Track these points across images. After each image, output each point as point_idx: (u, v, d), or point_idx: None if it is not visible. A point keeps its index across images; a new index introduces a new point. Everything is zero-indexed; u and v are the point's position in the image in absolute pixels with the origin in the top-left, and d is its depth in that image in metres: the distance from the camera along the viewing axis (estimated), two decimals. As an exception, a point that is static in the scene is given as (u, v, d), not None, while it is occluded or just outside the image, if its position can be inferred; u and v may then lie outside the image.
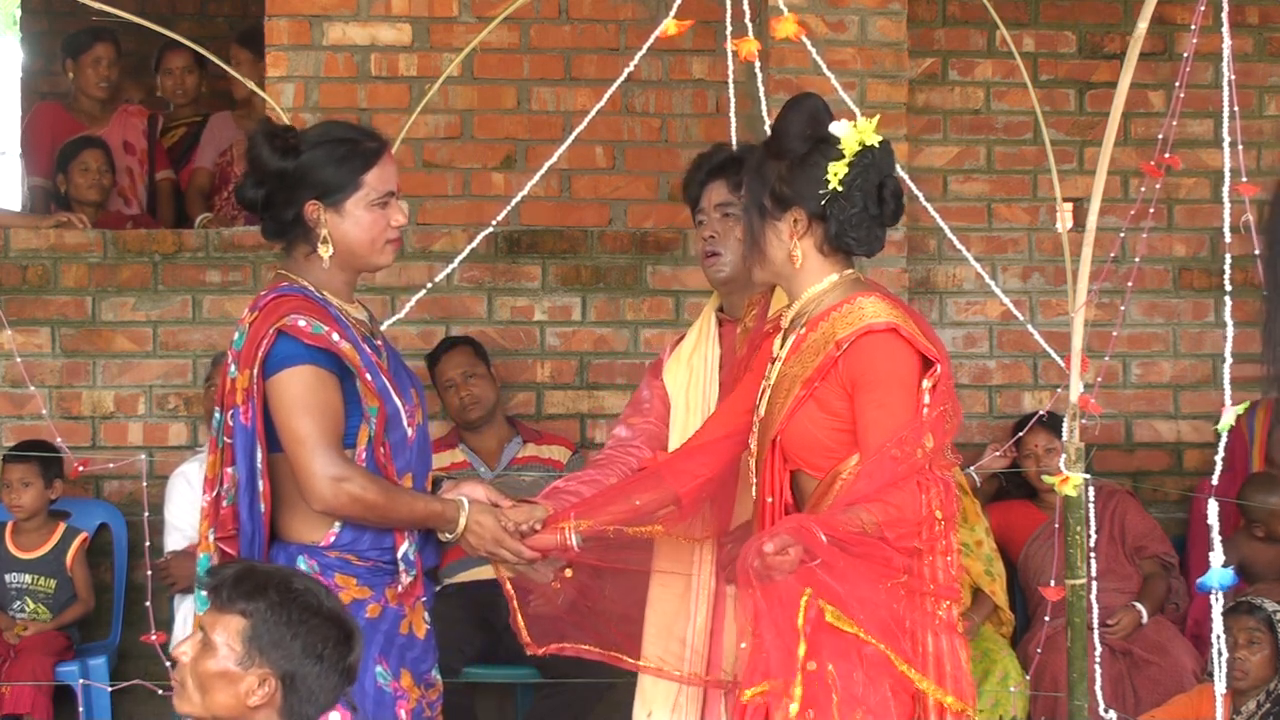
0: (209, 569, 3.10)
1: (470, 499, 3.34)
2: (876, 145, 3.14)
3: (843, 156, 3.11)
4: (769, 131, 3.31)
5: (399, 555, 3.26)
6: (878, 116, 3.20)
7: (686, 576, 3.57)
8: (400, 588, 3.27)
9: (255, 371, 3.18)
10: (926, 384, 3.09)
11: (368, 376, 3.23)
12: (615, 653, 3.56)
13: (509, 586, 3.47)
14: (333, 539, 3.23)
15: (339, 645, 2.74)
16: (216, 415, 3.30)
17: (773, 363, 3.25)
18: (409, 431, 3.32)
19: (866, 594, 3.00)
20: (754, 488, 3.26)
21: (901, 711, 3.03)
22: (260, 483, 3.19)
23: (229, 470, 3.23)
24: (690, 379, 3.74)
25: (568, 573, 3.46)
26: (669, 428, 3.78)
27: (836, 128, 3.14)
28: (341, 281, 3.34)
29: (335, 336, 3.21)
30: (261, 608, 2.71)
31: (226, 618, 2.72)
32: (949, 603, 3.12)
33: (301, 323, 3.18)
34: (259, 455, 3.20)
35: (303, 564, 3.21)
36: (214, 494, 3.27)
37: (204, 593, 2.82)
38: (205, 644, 2.72)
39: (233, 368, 3.25)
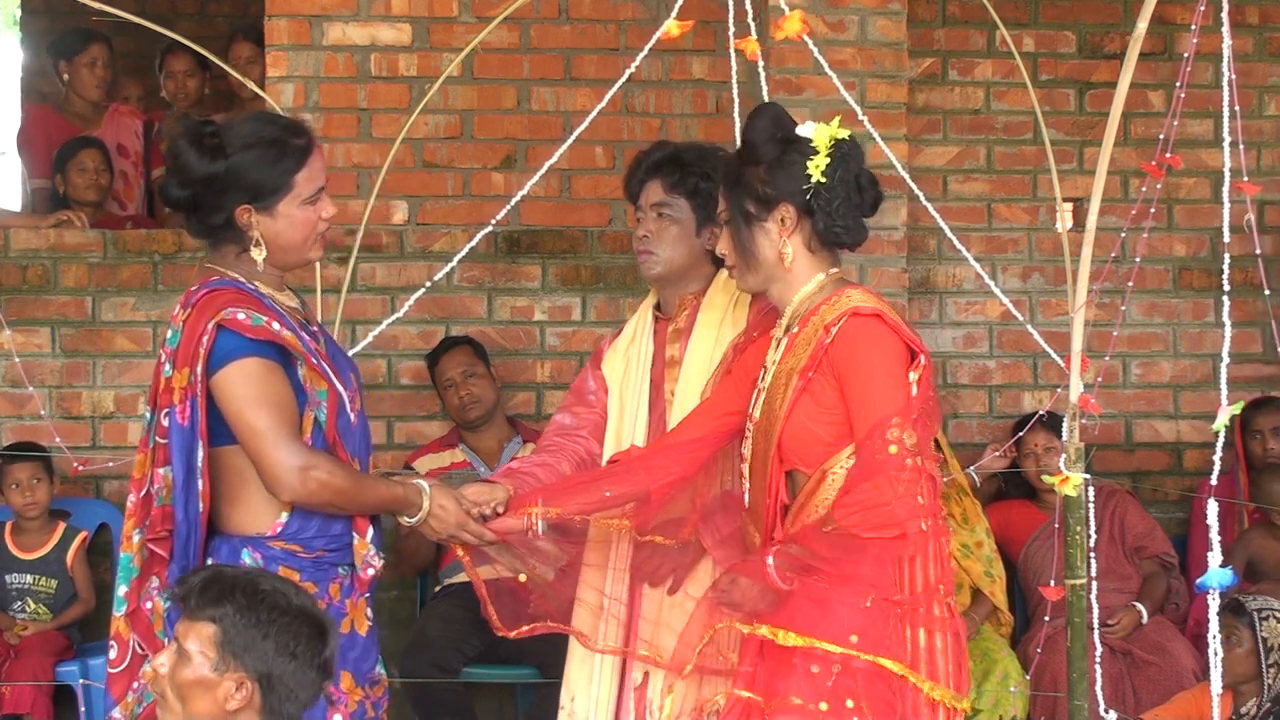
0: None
1: (430, 484, 3.33)
2: (846, 139, 3.20)
3: (818, 152, 3.17)
4: (739, 142, 3.35)
5: (368, 538, 3.23)
6: (838, 118, 3.24)
7: (604, 570, 3.59)
8: (362, 575, 3.23)
9: (199, 369, 3.11)
10: (914, 375, 3.10)
11: (313, 360, 3.19)
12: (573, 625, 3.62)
13: (480, 581, 3.50)
14: (279, 528, 3.18)
15: (312, 641, 2.75)
16: (148, 415, 3.23)
17: (766, 369, 3.26)
18: (351, 417, 3.29)
19: (837, 613, 3.03)
20: (747, 493, 3.27)
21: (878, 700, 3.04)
22: (200, 482, 3.13)
23: (160, 471, 3.16)
24: (625, 371, 3.76)
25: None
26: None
27: (804, 129, 3.21)
28: (271, 275, 3.28)
29: (275, 326, 3.16)
30: (230, 611, 2.72)
31: (197, 626, 2.74)
32: (946, 599, 3.13)
33: (241, 315, 3.13)
34: (199, 453, 3.13)
35: (247, 557, 3.15)
36: (141, 494, 3.20)
37: (173, 602, 2.82)
38: (180, 654, 2.74)
39: (167, 366, 3.18)
